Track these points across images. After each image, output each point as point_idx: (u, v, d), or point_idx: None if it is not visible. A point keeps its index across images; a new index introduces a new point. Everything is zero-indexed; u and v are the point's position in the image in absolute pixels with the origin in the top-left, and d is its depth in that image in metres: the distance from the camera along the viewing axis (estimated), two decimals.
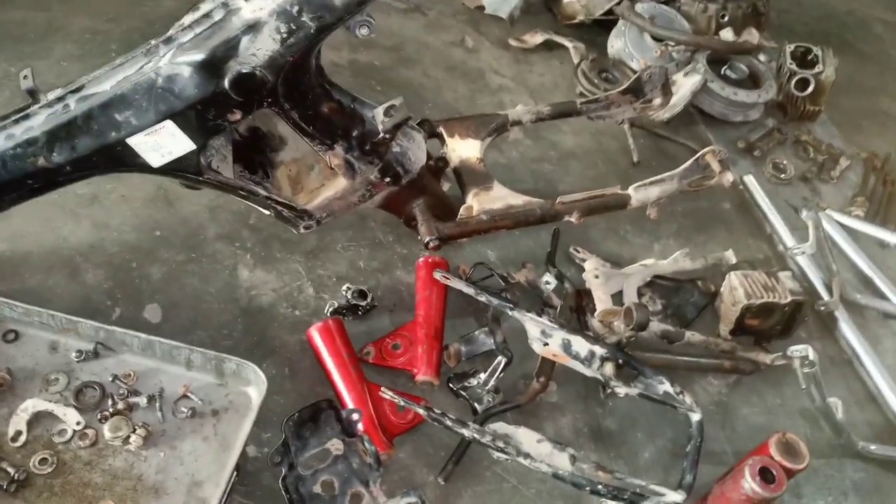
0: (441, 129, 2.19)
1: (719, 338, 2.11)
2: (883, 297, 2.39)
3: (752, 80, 2.96)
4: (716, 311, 2.21)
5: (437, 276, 1.88)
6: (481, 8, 3.07)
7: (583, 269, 2.19)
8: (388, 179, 1.86)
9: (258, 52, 1.49)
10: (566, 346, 1.80)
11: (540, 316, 1.84)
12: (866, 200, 2.68)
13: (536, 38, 3.06)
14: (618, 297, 2.14)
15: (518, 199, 2.05)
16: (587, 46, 3.06)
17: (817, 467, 1.95)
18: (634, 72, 2.89)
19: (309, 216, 1.86)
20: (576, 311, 2.10)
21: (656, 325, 2.04)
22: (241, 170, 1.76)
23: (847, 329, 2.25)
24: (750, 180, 2.65)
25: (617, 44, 2.95)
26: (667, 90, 2.43)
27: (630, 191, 2.13)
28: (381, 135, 1.74)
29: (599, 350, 1.81)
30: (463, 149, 2.15)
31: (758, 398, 2.09)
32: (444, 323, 1.97)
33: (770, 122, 2.90)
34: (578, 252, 2.31)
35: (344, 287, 1.97)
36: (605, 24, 3.07)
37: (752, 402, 2.08)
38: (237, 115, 1.57)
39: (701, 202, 2.62)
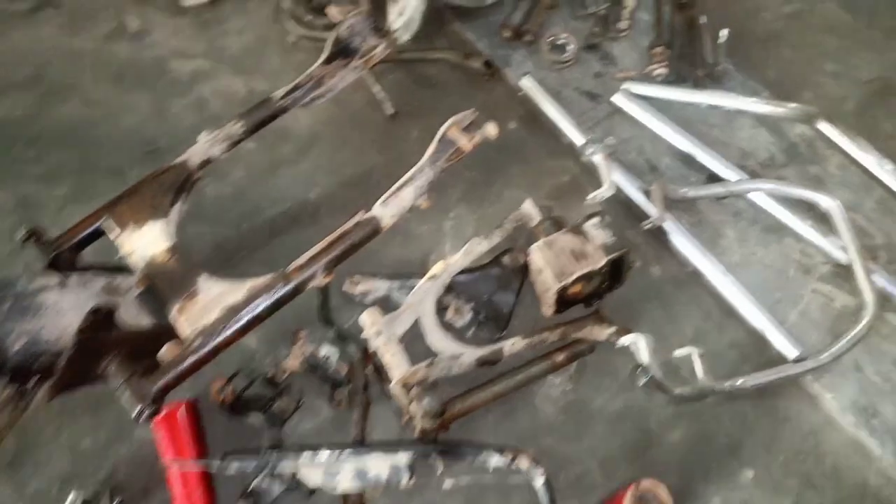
0: (105, 226, 1.61)
1: (544, 329, 1.77)
2: (712, 176, 2.07)
3: None
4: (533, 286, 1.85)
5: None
6: None
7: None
8: (30, 385, 1.32)
9: None
10: (362, 476, 1.43)
11: (316, 451, 1.43)
12: (666, 49, 2.25)
13: None
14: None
15: (238, 293, 1.55)
16: None
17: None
18: None
19: None
20: (376, 376, 1.70)
21: (470, 355, 1.68)
22: None
23: (681, 243, 1.94)
24: (528, 83, 2.17)
25: None
26: (381, 26, 1.85)
27: (377, 210, 1.65)
28: None
29: (403, 458, 1.45)
30: (145, 243, 1.60)
31: (609, 378, 1.80)
32: (214, 489, 1.55)
33: None
34: (356, 284, 1.86)
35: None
36: None
37: (603, 386, 1.80)
38: None
39: None
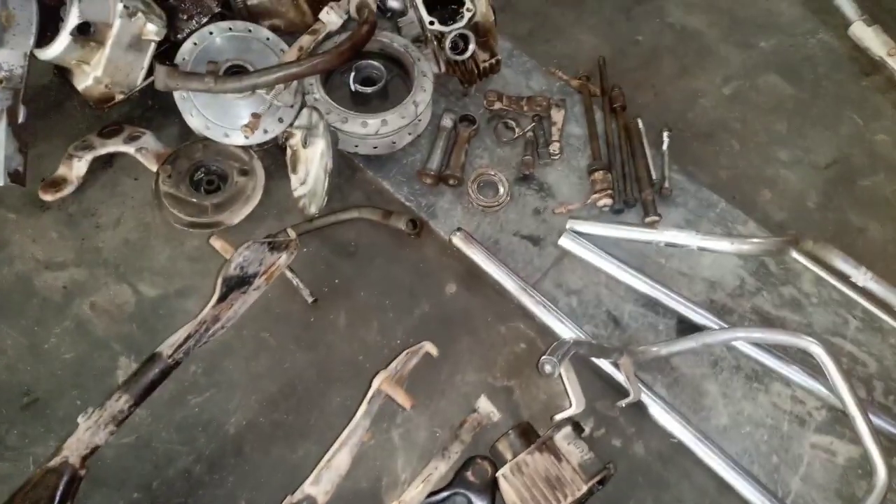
0: None
1: None
2: (682, 320, 1.89)
3: (399, 66, 2.14)
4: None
5: None
6: None
7: None
8: None
9: None
10: None
11: None
12: (606, 173, 2.06)
13: (79, 166, 2.00)
14: None
15: None
16: (158, 135, 2.06)
17: None
18: (238, 156, 1.99)
19: None
20: None
21: None
22: None
23: (661, 415, 1.76)
24: (460, 241, 1.94)
25: (195, 120, 1.98)
26: (278, 245, 1.60)
27: (309, 489, 1.40)
28: None
29: None
30: None
31: None
32: None
33: (448, 119, 2.12)
34: None
35: None
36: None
37: None
38: None
39: (421, 307, 1.93)
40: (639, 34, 2.48)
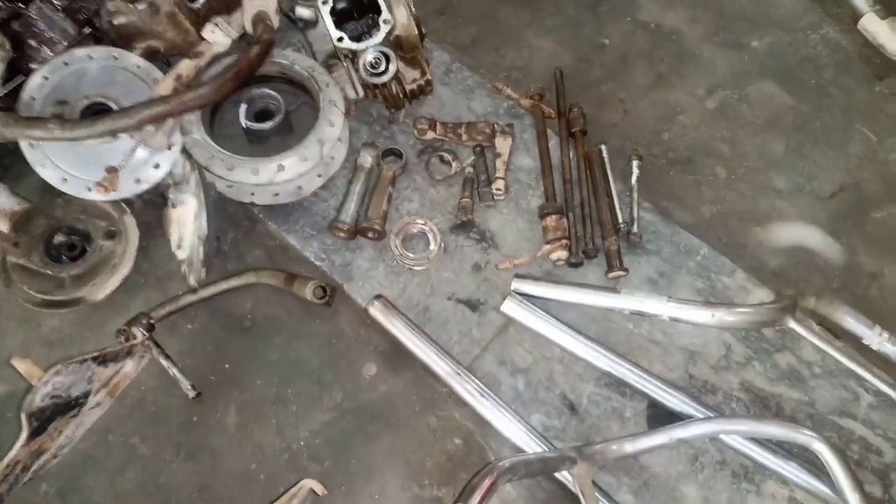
0: None
1: None
2: (654, 404, 1.57)
3: (307, 92, 1.81)
4: None
5: None
6: None
7: None
8: None
9: None
10: None
11: None
12: (561, 218, 1.72)
13: None
14: None
15: None
16: (15, 187, 1.74)
17: None
18: (107, 213, 1.67)
19: None
20: None
21: None
22: None
23: None
24: (379, 312, 1.62)
25: (48, 172, 1.64)
26: (113, 356, 1.27)
27: None
28: None
29: None
30: None
31: None
32: None
33: (367, 156, 1.78)
34: None
35: None
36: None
37: None
38: None
39: (333, 396, 1.61)
40: (606, 36, 2.12)
